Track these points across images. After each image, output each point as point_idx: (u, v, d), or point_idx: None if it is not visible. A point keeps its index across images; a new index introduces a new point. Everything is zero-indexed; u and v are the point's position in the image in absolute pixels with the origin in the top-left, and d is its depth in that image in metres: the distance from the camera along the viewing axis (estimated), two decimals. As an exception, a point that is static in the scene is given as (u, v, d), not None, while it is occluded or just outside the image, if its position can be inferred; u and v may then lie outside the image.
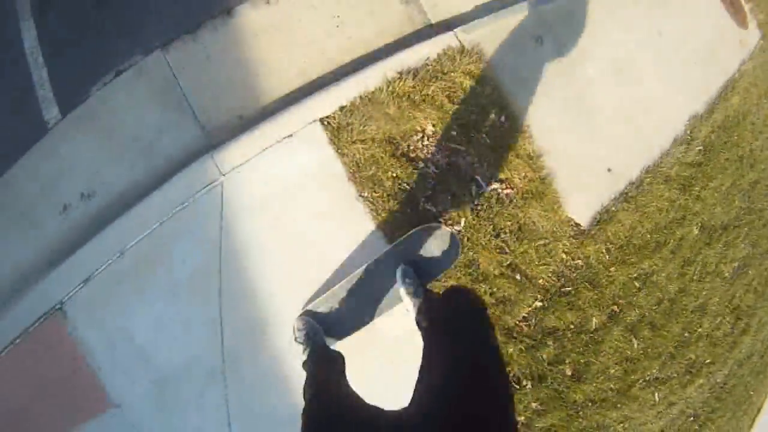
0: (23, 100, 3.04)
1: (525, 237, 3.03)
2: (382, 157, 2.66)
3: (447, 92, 2.95)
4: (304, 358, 2.36)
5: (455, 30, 3.24)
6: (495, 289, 2.93)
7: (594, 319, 3.15)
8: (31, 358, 2.60)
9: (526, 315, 2.93)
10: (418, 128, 2.82)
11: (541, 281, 2.99)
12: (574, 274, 3.20)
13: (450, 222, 2.87)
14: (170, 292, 2.59)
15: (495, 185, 2.93)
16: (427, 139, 2.79)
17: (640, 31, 3.81)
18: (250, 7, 3.00)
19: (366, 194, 2.62)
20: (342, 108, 2.69)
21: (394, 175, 2.67)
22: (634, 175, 3.52)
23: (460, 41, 3.18)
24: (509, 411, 1.36)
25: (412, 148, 2.74)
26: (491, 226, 2.91)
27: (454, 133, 2.87)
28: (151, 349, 2.62)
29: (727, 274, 4.13)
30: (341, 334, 2.59)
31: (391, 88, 2.80)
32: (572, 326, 3.06)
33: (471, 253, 3.02)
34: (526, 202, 3.00)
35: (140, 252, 2.58)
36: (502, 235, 2.94)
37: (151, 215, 2.56)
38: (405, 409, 1.46)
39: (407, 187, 2.71)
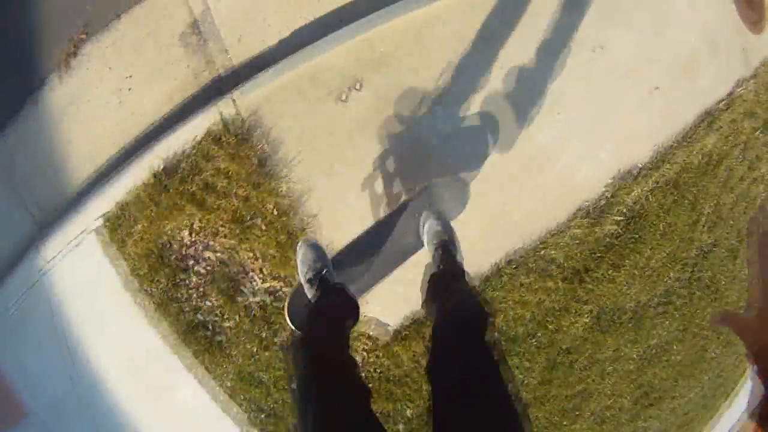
0: None
1: None
2: (149, 257, 1.90)
3: (208, 185, 1.83)
4: (310, 295, 1.54)
5: (232, 92, 1.77)
6: (276, 380, 2.05)
7: (408, 411, 2.14)
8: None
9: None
10: (184, 226, 1.88)
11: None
12: (377, 373, 2.06)
13: (225, 319, 1.96)
14: (37, 349, 2.19)
15: (271, 283, 1.92)
16: (195, 236, 1.90)
17: (562, 47, 1.96)
18: (57, 75, 1.98)
19: (145, 289, 1.96)
20: (118, 203, 1.92)
21: (166, 273, 1.92)
22: (484, 267, 2.03)
23: (236, 107, 1.78)
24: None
25: (181, 245, 1.91)
26: (266, 325, 1.94)
27: (223, 228, 1.86)
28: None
29: (634, 356, 2.61)
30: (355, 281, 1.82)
31: (148, 190, 1.85)
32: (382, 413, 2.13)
33: (249, 346, 1.99)
34: None
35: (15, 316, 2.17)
36: (282, 334, 1.96)
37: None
38: None
39: (179, 283, 1.94)
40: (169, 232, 1.91)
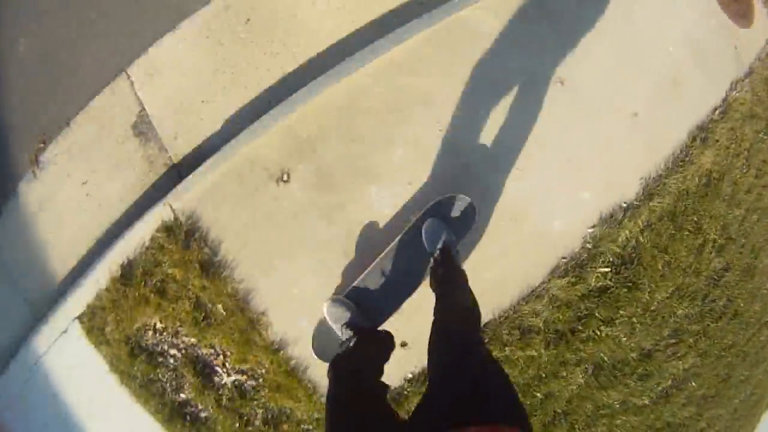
0: None
1: (282, 421, 1.89)
2: (122, 355, 1.91)
3: (159, 290, 1.78)
4: (348, 344, 1.52)
5: (167, 198, 1.69)
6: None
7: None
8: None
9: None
10: (147, 325, 1.87)
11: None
12: None
13: (200, 410, 1.94)
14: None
15: (235, 376, 1.85)
16: (159, 334, 1.88)
17: (514, 88, 1.71)
18: (26, 182, 1.99)
19: (124, 383, 1.98)
20: (89, 305, 1.90)
21: (140, 369, 1.92)
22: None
23: (173, 212, 1.69)
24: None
25: (148, 343, 1.90)
26: (237, 416, 1.87)
27: (181, 328, 1.82)
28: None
29: (646, 402, 2.23)
30: (378, 317, 1.72)
31: (110, 295, 1.84)
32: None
33: None
34: (273, 393, 1.81)
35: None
36: (255, 423, 1.88)
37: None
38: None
39: (154, 378, 1.94)
40: (136, 331, 1.88)
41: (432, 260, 1.47)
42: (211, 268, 1.65)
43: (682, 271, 2.01)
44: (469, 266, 1.62)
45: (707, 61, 1.95)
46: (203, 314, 1.73)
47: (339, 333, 1.52)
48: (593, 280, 1.73)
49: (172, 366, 1.85)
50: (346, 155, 1.49)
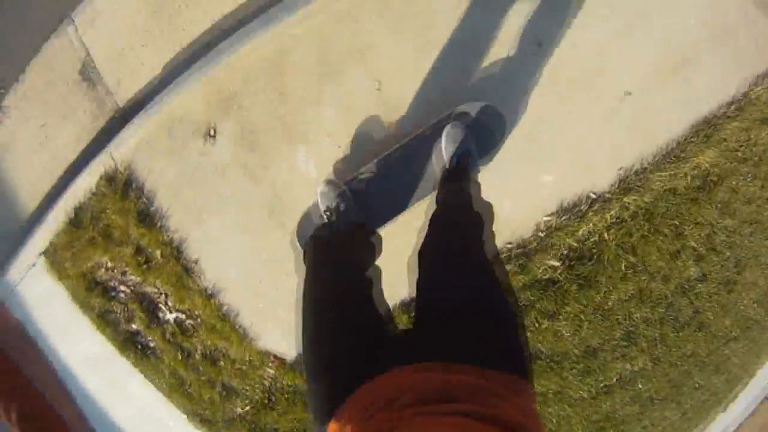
0: None
1: (219, 359, 1.94)
2: (80, 288, 1.99)
3: (105, 233, 1.80)
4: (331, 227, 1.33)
5: (109, 147, 1.67)
6: (199, 395, 2.03)
7: None
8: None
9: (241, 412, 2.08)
10: (99, 263, 1.92)
11: (248, 392, 2.02)
12: (285, 396, 1.96)
13: (147, 338, 2.02)
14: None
15: (176, 314, 1.90)
16: (110, 272, 1.94)
17: (470, 45, 1.45)
18: None
19: (85, 312, 2.08)
20: (51, 243, 1.95)
21: (96, 301, 2.00)
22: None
23: (114, 161, 1.67)
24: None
25: (102, 279, 1.96)
26: (179, 349, 1.95)
27: (127, 268, 1.87)
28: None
29: (584, 395, 2.15)
30: (374, 218, 1.51)
31: (65, 236, 1.86)
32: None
33: (171, 362, 2.00)
34: (209, 334, 1.85)
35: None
36: (195, 356, 1.94)
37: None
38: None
39: (109, 309, 2.02)
40: (91, 268, 1.95)
41: (445, 169, 1.31)
42: (147, 217, 1.68)
43: (648, 275, 1.80)
44: (403, 240, 1.44)
45: (730, 45, 1.58)
46: (144, 258, 1.77)
47: (324, 216, 1.34)
48: (540, 272, 1.53)
49: (123, 300, 1.94)
50: (272, 113, 1.30)
